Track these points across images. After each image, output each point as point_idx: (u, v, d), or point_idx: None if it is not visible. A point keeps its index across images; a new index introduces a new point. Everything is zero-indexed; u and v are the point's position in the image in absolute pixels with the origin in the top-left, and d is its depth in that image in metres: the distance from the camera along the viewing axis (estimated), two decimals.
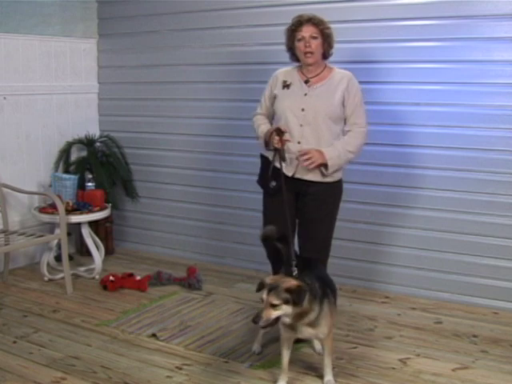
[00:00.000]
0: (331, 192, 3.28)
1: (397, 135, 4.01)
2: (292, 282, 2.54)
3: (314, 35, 3.14)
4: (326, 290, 2.74)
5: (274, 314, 2.51)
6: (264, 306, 2.51)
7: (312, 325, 2.68)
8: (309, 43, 3.13)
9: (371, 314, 3.80)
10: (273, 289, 2.51)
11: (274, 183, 3.20)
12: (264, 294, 2.53)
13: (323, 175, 3.18)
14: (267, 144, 3.21)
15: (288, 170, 3.20)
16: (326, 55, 3.24)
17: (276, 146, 3.11)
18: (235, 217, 4.68)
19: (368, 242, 4.21)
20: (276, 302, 2.50)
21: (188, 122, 4.82)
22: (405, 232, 4.08)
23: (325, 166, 3.14)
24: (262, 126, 3.31)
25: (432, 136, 3.90)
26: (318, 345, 3.17)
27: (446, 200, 3.92)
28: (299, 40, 3.16)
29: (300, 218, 3.30)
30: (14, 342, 3.39)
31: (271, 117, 3.40)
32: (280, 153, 3.13)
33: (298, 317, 2.61)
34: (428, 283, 4.05)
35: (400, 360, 3.18)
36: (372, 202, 4.17)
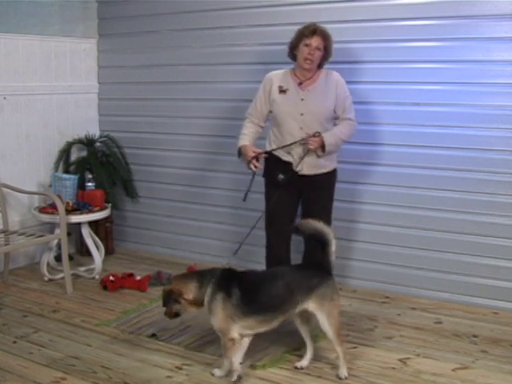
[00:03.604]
0: (330, 179, 3.63)
1: (397, 135, 4.00)
2: (164, 288, 3.01)
3: (320, 47, 3.43)
4: (231, 290, 2.86)
5: (173, 309, 2.96)
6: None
7: (209, 311, 2.92)
8: (313, 52, 3.42)
9: (371, 314, 3.80)
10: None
11: (281, 176, 3.50)
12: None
13: (317, 156, 3.50)
14: (240, 154, 3.57)
15: (296, 167, 3.51)
16: (320, 65, 3.54)
17: (253, 169, 3.49)
18: (235, 217, 4.67)
19: (368, 242, 4.22)
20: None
21: (188, 121, 4.82)
22: (405, 232, 4.08)
23: (322, 147, 3.46)
24: (243, 138, 3.58)
25: (432, 136, 3.90)
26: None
27: (446, 200, 3.92)
28: (306, 45, 3.42)
29: (305, 206, 3.63)
30: (14, 342, 3.39)
31: (265, 118, 3.64)
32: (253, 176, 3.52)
33: (197, 304, 2.93)
34: (428, 283, 4.05)
35: (400, 360, 3.18)
36: (372, 202, 4.17)
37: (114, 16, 5.06)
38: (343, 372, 2.98)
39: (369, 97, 3.99)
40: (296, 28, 3.50)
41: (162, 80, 4.91)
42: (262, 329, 2.94)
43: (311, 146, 3.41)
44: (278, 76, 3.56)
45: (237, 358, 2.91)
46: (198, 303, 2.92)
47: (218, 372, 3.00)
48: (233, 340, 2.87)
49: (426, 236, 4.01)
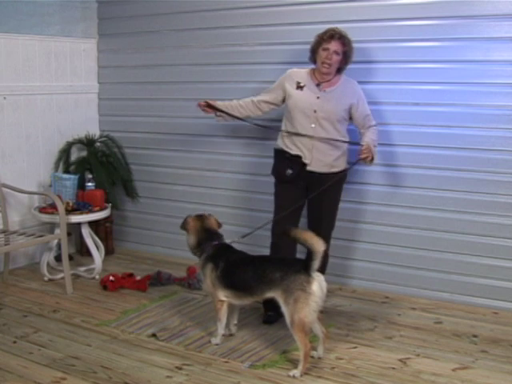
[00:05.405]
0: (339, 179, 3.66)
1: (397, 135, 4.00)
2: (188, 218, 3.51)
3: (338, 52, 3.49)
4: (218, 263, 3.29)
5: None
6: None
7: (202, 274, 3.44)
8: (330, 56, 3.47)
9: (371, 314, 3.80)
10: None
11: (290, 171, 3.57)
12: None
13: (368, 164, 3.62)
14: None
15: (305, 158, 3.55)
16: (340, 70, 3.60)
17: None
18: (235, 217, 4.67)
19: (368, 241, 4.21)
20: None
21: (188, 121, 4.81)
22: (405, 232, 4.08)
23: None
24: (227, 102, 3.81)
25: (432, 136, 3.90)
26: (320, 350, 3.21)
27: (446, 200, 3.92)
28: (324, 49, 3.48)
29: (311, 205, 3.67)
30: (14, 342, 3.39)
31: (267, 104, 3.72)
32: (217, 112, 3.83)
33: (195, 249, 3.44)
34: (428, 283, 4.05)
35: (400, 360, 3.18)
36: (371, 202, 4.17)
37: (113, 16, 5.06)
38: (296, 372, 3.00)
39: (369, 97, 3.98)
40: (310, 30, 3.60)
41: (161, 80, 4.91)
42: (238, 302, 3.33)
43: (363, 156, 3.48)
44: (297, 73, 3.62)
45: (222, 324, 3.35)
46: (193, 252, 3.46)
47: (214, 340, 3.37)
48: (221, 301, 3.31)
49: (426, 236, 4.01)
